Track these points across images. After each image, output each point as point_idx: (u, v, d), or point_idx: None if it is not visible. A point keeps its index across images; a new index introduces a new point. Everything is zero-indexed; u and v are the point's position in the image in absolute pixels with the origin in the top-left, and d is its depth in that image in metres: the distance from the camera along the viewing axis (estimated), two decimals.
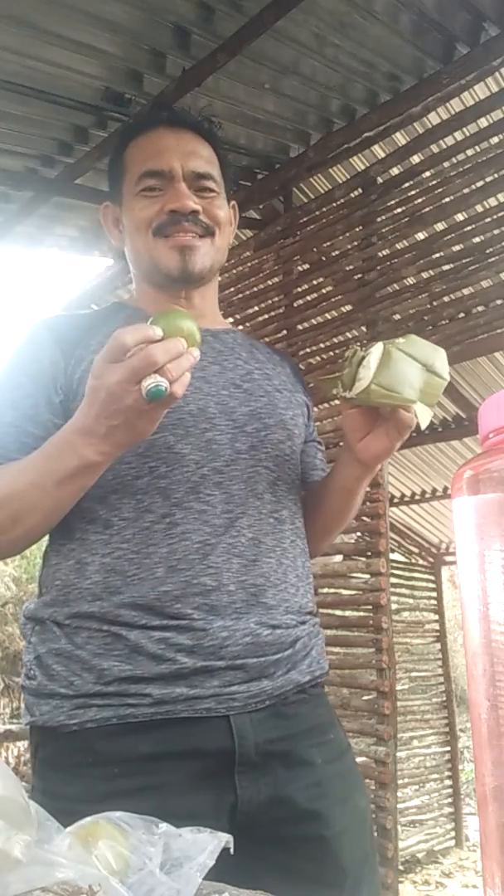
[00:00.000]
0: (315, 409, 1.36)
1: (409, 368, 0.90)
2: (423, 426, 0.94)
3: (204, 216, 1.07)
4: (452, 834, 5.42)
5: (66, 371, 0.99)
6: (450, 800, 5.54)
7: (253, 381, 1.08)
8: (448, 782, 5.60)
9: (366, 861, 0.96)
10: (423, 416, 0.91)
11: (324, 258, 3.11)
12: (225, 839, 0.58)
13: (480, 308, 2.52)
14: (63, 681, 0.90)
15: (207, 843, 0.57)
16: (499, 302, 2.46)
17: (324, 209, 3.13)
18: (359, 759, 2.85)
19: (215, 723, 0.89)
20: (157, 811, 0.76)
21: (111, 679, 0.88)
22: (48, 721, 0.89)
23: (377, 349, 0.91)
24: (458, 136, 2.66)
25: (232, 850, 0.58)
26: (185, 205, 1.05)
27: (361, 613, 3.04)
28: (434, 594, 5.99)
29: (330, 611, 3.14)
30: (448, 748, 5.69)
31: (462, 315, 2.57)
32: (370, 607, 2.80)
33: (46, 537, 1.00)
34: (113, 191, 1.15)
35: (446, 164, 2.66)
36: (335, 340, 3.10)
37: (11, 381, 1.01)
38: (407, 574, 5.89)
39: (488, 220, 2.51)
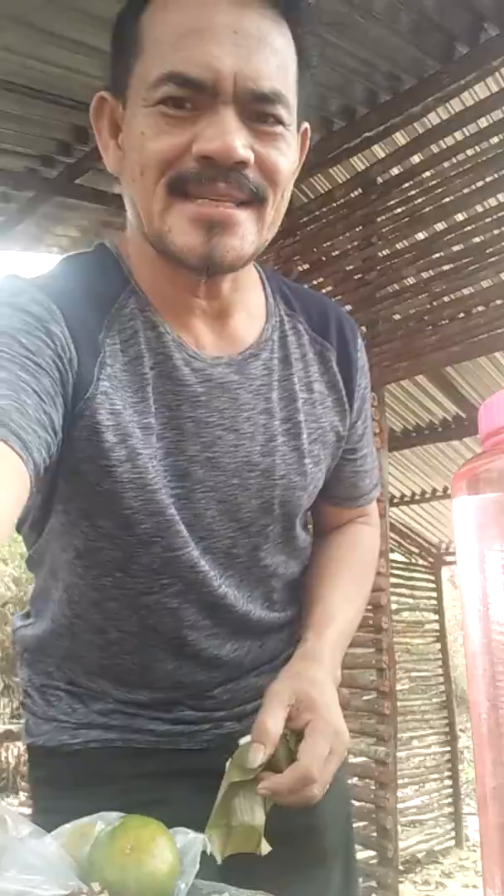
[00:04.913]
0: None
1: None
2: (216, 856, 0.72)
3: (255, 171, 0.67)
4: (452, 834, 5.41)
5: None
6: (450, 800, 5.53)
7: (274, 453, 0.81)
8: (448, 782, 5.59)
9: (344, 829, 0.96)
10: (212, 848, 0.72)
11: (324, 258, 3.11)
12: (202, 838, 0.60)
13: (480, 308, 2.52)
14: (65, 708, 0.86)
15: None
16: (499, 302, 2.46)
17: (324, 209, 3.13)
18: (359, 759, 2.86)
19: (218, 750, 0.87)
20: (170, 823, 0.74)
21: (114, 712, 0.85)
22: (49, 741, 0.85)
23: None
24: (458, 136, 2.66)
25: (208, 851, 0.59)
26: (228, 151, 0.64)
27: None
28: (434, 594, 5.98)
29: None
30: (448, 748, 5.68)
31: (462, 315, 2.57)
32: (370, 607, 2.80)
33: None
34: (115, 75, 0.71)
35: (446, 164, 2.66)
36: None
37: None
38: (407, 574, 5.87)
39: (488, 220, 2.51)
